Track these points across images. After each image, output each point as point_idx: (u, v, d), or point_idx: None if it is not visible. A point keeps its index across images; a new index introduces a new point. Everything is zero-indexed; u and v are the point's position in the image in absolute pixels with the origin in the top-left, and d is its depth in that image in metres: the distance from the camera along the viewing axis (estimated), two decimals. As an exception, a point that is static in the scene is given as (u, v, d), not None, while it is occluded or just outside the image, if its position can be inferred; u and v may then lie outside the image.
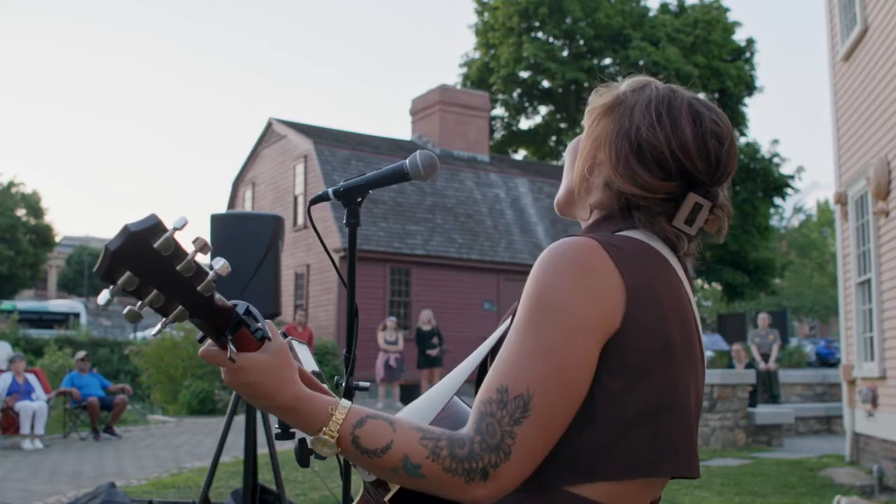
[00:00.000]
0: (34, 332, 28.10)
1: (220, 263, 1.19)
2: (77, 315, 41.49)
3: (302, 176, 24.00)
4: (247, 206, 27.40)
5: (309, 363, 1.69)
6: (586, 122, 1.51)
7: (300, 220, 24.09)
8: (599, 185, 1.46)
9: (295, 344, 1.68)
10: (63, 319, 40.20)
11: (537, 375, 1.26)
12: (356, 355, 2.03)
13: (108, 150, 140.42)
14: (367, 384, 2.10)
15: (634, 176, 1.39)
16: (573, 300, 1.28)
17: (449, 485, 1.25)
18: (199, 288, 1.17)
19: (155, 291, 1.14)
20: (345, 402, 1.30)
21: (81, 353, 14.25)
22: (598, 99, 1.49)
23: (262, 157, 27.10)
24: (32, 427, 11.99)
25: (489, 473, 1.24)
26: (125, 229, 1.11)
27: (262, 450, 5.42)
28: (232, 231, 4.82)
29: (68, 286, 65.43)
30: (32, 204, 48.96)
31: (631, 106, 1.42)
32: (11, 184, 48.11)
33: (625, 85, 1.49)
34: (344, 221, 2.00)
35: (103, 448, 12.03)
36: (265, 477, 6.56)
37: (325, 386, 1.54)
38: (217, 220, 4.84)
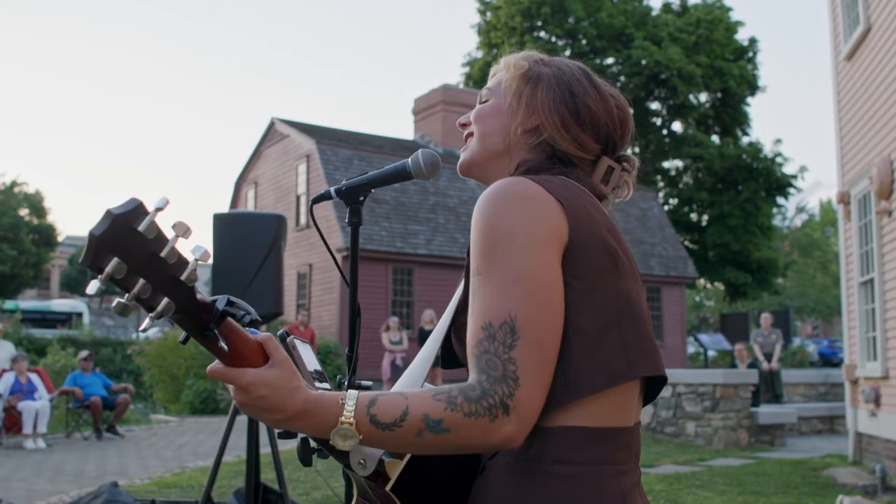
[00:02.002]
0: (37, 332, 28.14)
1: (201, 252, 1.15)
2: (80, 315, 41.52)
3: (304, 175, 24.01)
4: (249, 205, 27.40)
5: (311, 362, 1.68)
6: (504, 90, 1.58)
7: (302, 220, 24.10)
8: (530, 146, 1.54)
9: (297, 343, 1.67)
10: (66, 319, 40.25)
11: (514, 300, 1.29)
12: (358, 354, 2.03)
13: (110, 150, 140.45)
14: (369, 383, 2.10)
15: (578, 138, 1.51)
16: (521, 225, 1.33)
17: (475, 430, 1.25)
18: (182, 277, 1.14)
19: (142, 281, 1.11)
20: (352, 391, 1.30)
21: (84, 353, 14.27)
22: (511, 72, 1.58)
23: (265, 157, 27.11)
24: (35, 426, 12.01)
25: (508, 405, 1.25)
26: (108, 213, 1.08)
27: (265, 449, 5.43)
28: (234, 230, 4.82)
29: (71, 286, 65.45)
30: (35, 203, 48.99)
31: (555, 76, 1.55)
32: (14, 183, 48.15)
33: (521, 61, 1.59)
34: (346, 220, 2.00)
35: (106, 447, 12.05)
36: (268, 476, 6.57)
37: (327, 384, 1.54)
38: (220, 220, 4.85)
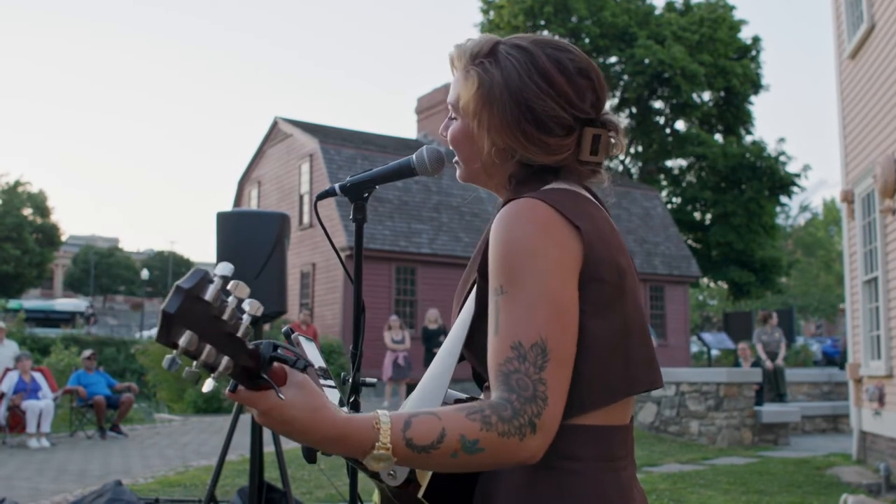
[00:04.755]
0: (40, 331, 28.22)
1: (255, 305, 1.18)
2: (83, 314, 41.59)
3: (307, 175, 24.01)
4: (252, 204, 27.38)
5: (315, 359, 1.68)
6: (464, 112, 1.54)
7: (306, 220, 24.09)
8: (509, 159, 1.53)
9: (302, 340, 1.67)
10: (69, 318, 40.33)
11: (543, 321, 1.33)
12: (363, 351, 2.03)
13: (114, 150, 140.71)
14: (373, 380, 2.10)
15: (547, 147, 1.48)
16: (544, 249, 1.36)
17: (507, 448, 1.28)
18: (238, 334, 1.16)
19: (209, 347, 1.13)
20: (383, 412, 1.29)
21: (87, 352, 14.27)
22: (465, 88, 1.52)
23: (268, 156, 27.11)
24: (39, 425, 12.02)
25: (536, 424, 1.29)
26: (178, 289, 1.10)
27: (269, 448, 5.43)
28: (238, 229, 4.81)
29: (74, 285, 65.54)
30: (39, 203, 49.07)
31: (503, 84, 1.48)
32: (18, 183, 48.22)
33: (467, 57, 1.53)
34: (350, 217, 2.00)
35: (109, 446, 12.05)
36: (271, 475, 6.56)
37: (331, 381, 1.54)
38: (223, 218, 4.84)
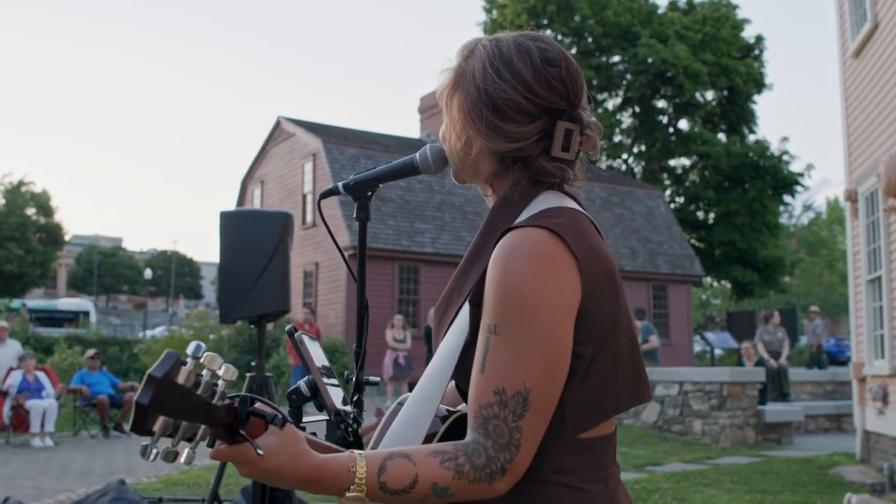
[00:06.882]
0: (44, 331, 28.20)
1: (230, 371, 1.18)
2: (87, 313, 41.63)
3: (310, 174, 24.02)
4: (255, 204, 27.41)
5: (319, 357, 1.68)
6: (441, 107, 1.56)
7: (309, 219, 24.11)
8: (483, 155, 1.52)
9: (305, 339, 1.67)
10: (73, 318, 40.33)
11: (530, 371, 1.32)
12: (366, 350, 2.02)
13: (114, 150, 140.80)
14: (377, 379, 2.10)
15: (504, 134, 1.45)
16: (545, 293, 1.33)
17: (475, 491, 1.32)
18: (214, 401, 1.17)
19: (184, 424, 1.14)
20: (359, 454, 1.31)
21: (91, 352, 14.30)
22: (442, 83, 1.55)
23: (271, 156, 27.12)
24: (42, 425, 12.03)
25: (507, 469, 1.32)
26: (150, 378, 1.09)
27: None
28: (241, 228, 4.82)
29: (78, 285, 65.63)
30: (42, 203, 49.12)
31: (470, 74, 1.49)
32: (21, 183, 48.27)
33: (456, 58, 1.55)
34: (354, 216, 1.99)
35: (113, 445, 12.07)
36: (274, 474, 6.57)
37: (334, 380, 1.54)
38: (226, 217, 4.84)
